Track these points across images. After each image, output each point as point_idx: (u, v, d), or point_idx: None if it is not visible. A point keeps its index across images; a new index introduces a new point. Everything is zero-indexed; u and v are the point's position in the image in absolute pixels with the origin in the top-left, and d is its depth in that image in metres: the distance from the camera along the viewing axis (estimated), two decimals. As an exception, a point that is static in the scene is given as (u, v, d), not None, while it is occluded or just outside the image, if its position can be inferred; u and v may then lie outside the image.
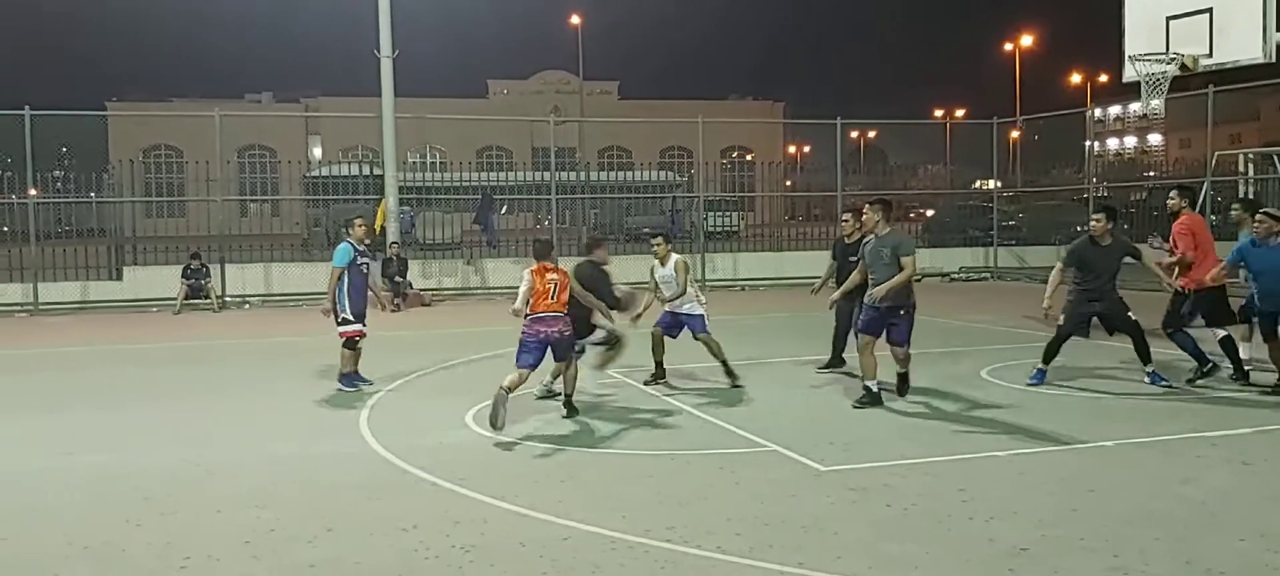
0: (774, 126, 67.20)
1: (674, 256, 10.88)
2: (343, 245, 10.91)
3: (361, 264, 10.97)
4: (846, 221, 11.50)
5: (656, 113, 63.41)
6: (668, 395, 10.26)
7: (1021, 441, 8.13)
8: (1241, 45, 11.47)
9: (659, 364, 10.88)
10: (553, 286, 8.98)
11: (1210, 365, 10.40)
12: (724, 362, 10.73)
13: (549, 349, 8.99)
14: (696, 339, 10.84)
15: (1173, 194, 10.94)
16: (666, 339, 10.89)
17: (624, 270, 23.85)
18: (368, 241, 11.34)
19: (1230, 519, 6.10)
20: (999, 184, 28.61)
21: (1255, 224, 9.85)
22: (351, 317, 10.82)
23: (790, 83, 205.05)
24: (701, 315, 10.87)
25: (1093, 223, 10.53)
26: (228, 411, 10.10)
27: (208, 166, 22.15)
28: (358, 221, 11.19)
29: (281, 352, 13.07)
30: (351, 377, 10.86)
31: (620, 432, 8.72)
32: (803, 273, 24.76)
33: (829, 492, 6.79)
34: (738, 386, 10.50)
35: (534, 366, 8.99)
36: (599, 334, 10.05)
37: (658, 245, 10.92)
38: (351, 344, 10.85)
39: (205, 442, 8.64)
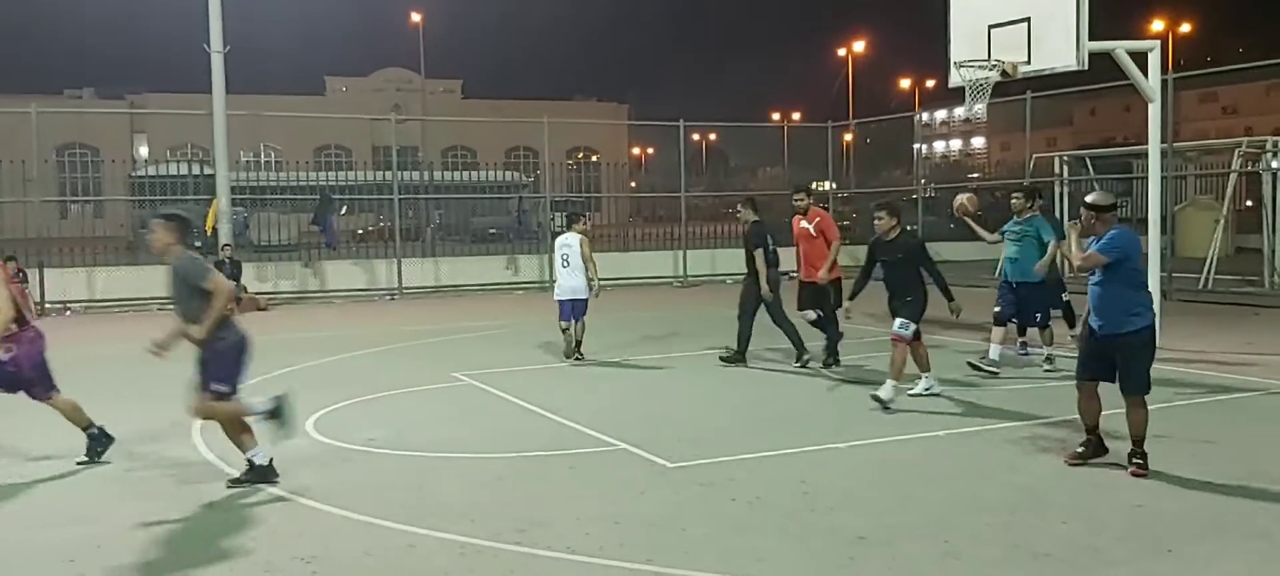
0: (619, 127, 67.26)
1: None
2: None
3: None
4: (881, 219, 10.94)
5: (501, 112, 62.69)
6: (515, 397, 10.20)
7: (859, 432, 8.38)
8: (1056, 54, 12.06)
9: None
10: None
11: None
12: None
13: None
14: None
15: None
16: None
17: (477, 271, 23.84)
18: None
19: (1055, 503, 6.43)
20: (834, 185, 29.44)
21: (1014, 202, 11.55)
22: None
23: (632, 83, 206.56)
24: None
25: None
26: (47, 425, 9.51)
27: (24, 166, 20.95)
28: None
29: (108, 360, 12.43)
30: None
31: (468, 436, 8.63)
32: (648, 272, 25.02)
33: (677, 489, 6.88)
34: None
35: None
36: None
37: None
38: None
39: (24, 457, 8.18)
